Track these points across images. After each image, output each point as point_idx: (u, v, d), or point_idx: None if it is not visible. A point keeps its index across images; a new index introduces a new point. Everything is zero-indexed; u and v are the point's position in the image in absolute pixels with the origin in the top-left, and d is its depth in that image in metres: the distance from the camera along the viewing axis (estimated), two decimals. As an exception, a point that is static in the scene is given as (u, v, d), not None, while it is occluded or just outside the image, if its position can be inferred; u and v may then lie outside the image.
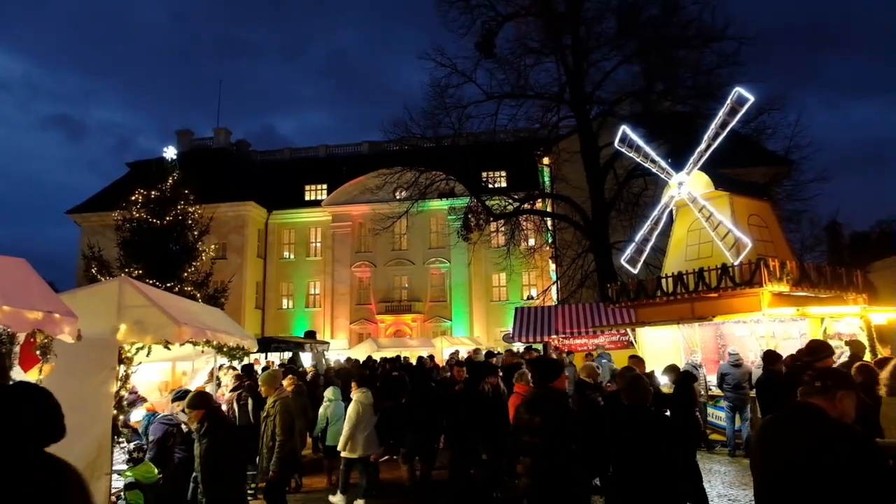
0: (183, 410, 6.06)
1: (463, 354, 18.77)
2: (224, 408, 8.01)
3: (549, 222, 26.21)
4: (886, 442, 4.03)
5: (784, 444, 2.60)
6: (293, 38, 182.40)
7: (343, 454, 7.90)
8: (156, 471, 5.97)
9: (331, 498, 7.95)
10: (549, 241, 27.42)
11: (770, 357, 8.18)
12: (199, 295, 16.90)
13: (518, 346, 19.06)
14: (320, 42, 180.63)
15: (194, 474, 6.15)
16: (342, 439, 7.87)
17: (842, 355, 8.29)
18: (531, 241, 26.81)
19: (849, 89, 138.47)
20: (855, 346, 8.15)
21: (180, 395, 6.58)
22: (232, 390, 8.63)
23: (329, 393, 9.12)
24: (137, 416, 6.86)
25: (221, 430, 5.47)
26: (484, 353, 16.84)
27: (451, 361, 15.56)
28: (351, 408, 7.91)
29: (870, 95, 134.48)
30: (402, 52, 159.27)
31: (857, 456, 2.40)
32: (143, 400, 7.10)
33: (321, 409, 9.05)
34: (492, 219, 23.89)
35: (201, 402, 5.56)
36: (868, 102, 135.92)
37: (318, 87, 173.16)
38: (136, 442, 6.22)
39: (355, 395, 8.00)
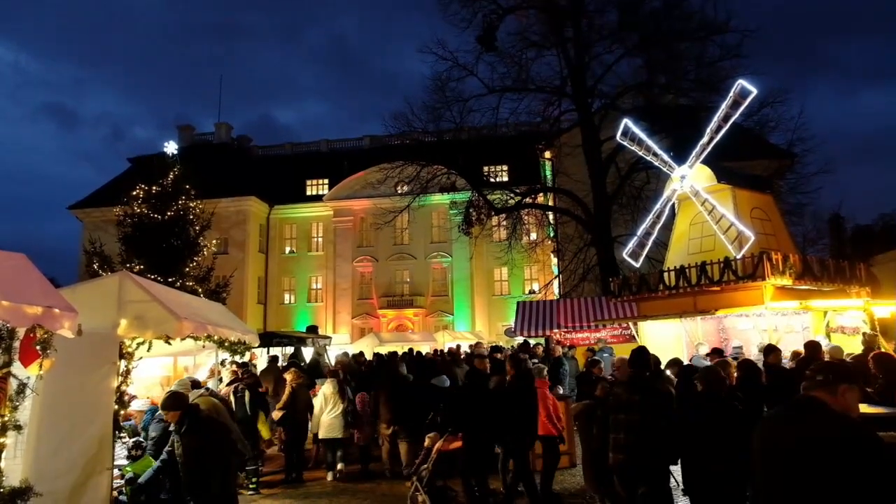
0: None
1: (465, 349, 18.65)
2: None
3: (551, 216, 26.16)
4: (890, 435, 4.02)
5: (786, 436, 2.59)
6: (292, 24, 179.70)
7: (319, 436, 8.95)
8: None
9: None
10: (551, 235, 27.35)
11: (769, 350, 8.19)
12: (200, 290, 16.90)
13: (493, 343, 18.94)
14: (320, 28, 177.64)
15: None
16: (311, 424, 9.02)
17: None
18: (533, 236, 26.80)
19: (865, 76, 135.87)
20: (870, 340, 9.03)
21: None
22: (229, 384, 8.66)
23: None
24: (139, 405, 6.86)
25: (203, 425, 5.33)
26: (490, 347, 16.75)
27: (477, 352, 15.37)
28: (318, 396, 8.96)
29: (887, 83, 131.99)
30: (403, 38, 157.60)
31: (860, 449, 2.38)
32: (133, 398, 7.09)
33: (314, 400, 9.48)
34: (493, 213, 23.82)
35: (175, 403, 5.34)
36: (884, 90, 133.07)
37: (319, 76, 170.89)
38: (135, 439, 6.23)
39: (325, 385, 9.02)
